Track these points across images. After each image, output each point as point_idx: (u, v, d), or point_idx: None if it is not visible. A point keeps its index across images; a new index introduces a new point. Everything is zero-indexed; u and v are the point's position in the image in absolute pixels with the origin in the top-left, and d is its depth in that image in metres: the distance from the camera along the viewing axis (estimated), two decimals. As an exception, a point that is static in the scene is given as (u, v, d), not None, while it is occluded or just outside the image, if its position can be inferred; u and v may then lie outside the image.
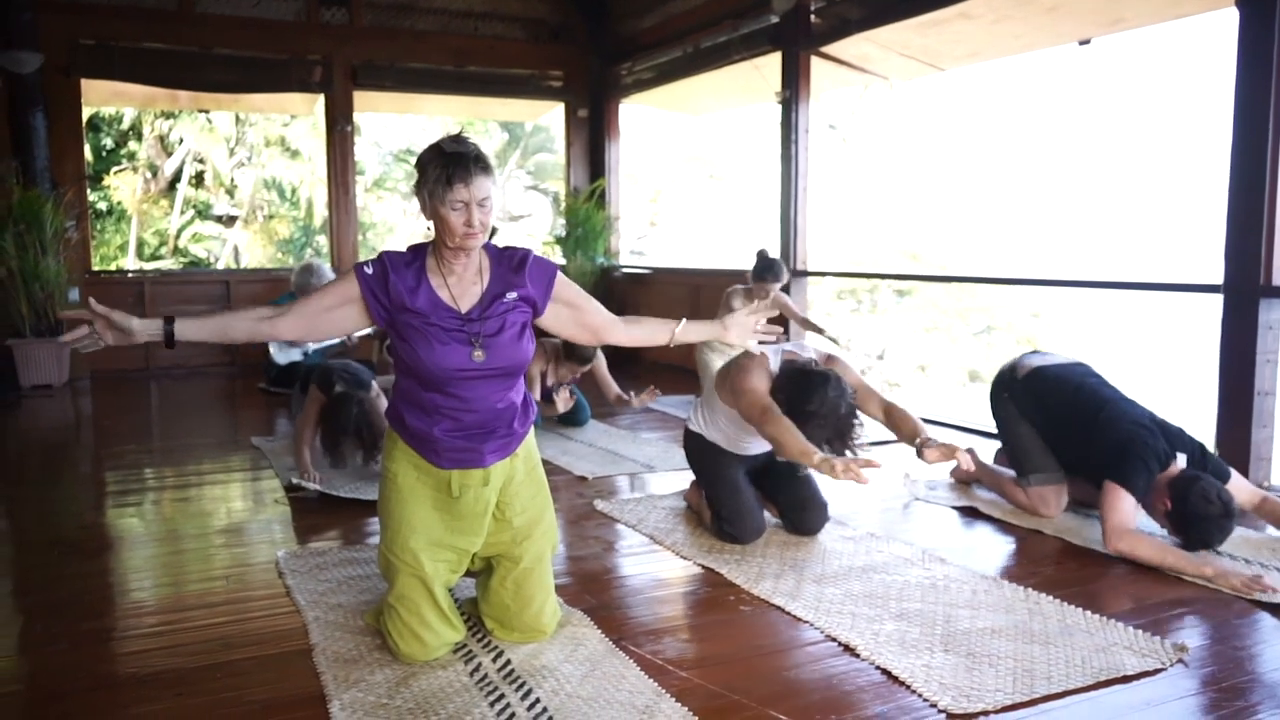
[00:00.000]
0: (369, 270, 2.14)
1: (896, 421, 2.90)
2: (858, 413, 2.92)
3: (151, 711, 2.03)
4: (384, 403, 4.11)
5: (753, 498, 3.16)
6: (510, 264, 2.22)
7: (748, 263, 5.43)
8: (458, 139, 2.10)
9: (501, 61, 8.29)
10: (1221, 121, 3.82)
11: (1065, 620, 2.48)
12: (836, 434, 2.84)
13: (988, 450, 3.93)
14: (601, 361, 4.89)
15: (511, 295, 2.19)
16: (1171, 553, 2.84)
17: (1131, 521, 2.94)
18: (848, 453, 2.80)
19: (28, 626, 2.52)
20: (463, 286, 2.17)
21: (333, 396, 3.84)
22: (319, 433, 3.90)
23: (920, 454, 2.75)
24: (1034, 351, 3.68)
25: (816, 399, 2.83)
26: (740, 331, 2.39)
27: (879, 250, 15.41)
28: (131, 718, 2.01)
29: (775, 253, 6.53)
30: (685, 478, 3.69)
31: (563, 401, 4.60)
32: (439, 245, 2.15)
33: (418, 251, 2.20)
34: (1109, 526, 2.93)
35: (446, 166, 2.03)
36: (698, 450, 3.29)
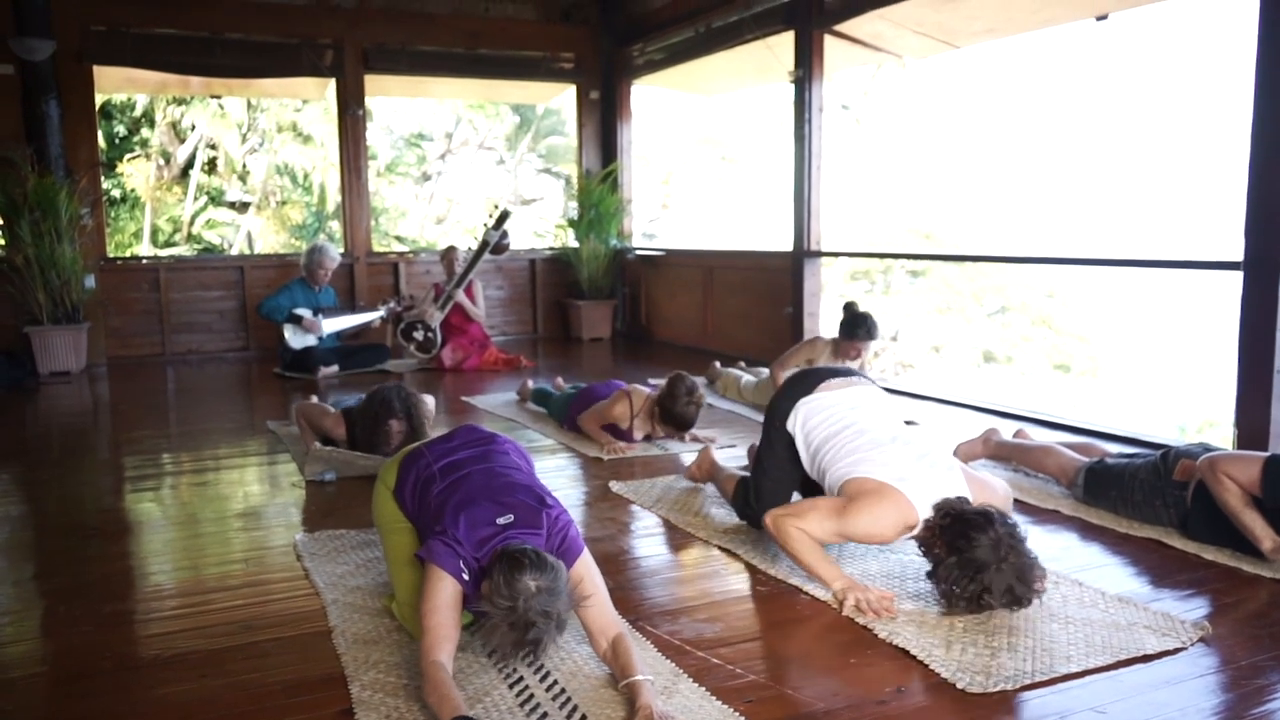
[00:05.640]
0: (467, 576, 2.06)
1: None
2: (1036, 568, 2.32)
3: (176, 692, 2.05)
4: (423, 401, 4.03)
5: (792, 493, 2.96)
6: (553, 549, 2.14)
7: (760, 244, 5.31)
8: (540, 612, 1.92)
9: (512, 43, 8.26)
10: (1242, 97, 3.77)
11: (1084, 600, 2.47)
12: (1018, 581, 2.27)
13: (1006, 429, 3.91)
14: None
15: None
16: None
17: None
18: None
19: (51, 609, 2.55)
20: None
21: (373, 391, 3.82)
22: (356, 427, 3.87)
23: None
24: None
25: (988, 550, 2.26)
26: None
27: (892, 231, 15.30)
28: (156, 699, 2.03)
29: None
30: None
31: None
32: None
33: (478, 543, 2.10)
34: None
35: (519, 648, 1.96)
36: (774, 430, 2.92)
